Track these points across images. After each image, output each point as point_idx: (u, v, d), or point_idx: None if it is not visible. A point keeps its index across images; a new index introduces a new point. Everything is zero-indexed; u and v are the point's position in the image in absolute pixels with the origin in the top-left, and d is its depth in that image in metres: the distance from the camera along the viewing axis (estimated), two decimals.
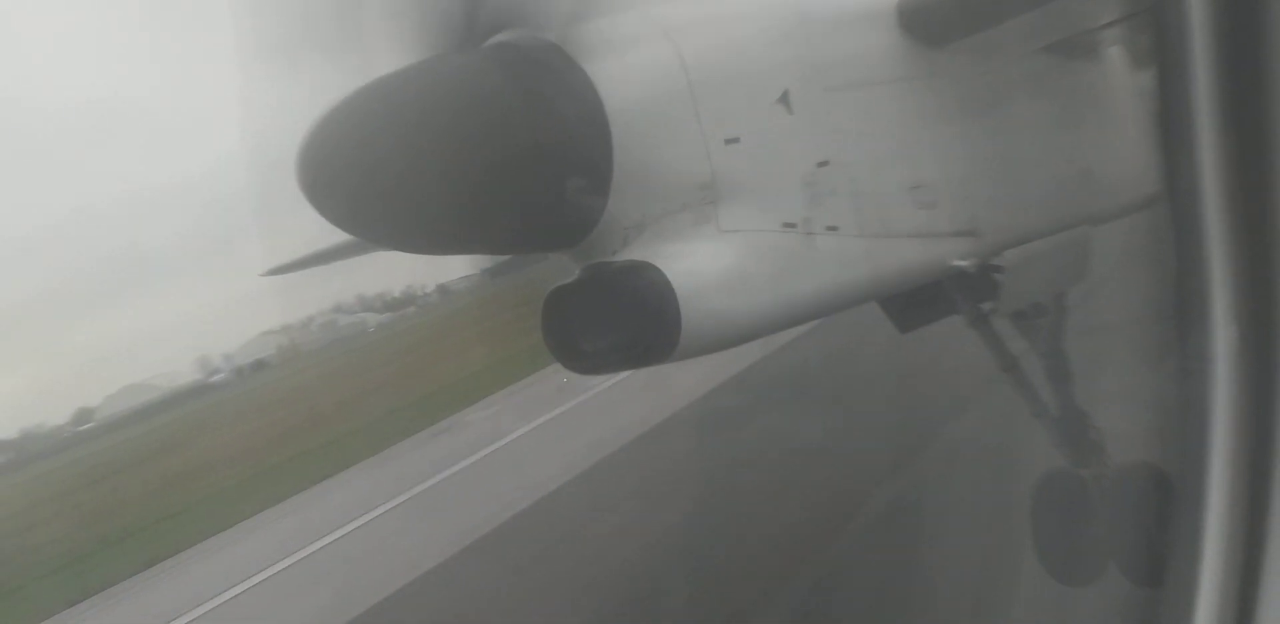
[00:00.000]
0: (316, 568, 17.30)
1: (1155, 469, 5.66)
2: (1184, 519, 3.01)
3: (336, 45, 5.13)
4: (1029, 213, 6.10)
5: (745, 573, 10.80)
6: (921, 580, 8.15)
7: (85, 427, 76.96)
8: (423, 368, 41.89)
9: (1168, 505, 3.59)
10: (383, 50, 5.00)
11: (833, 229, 5.23)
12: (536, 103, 4.81)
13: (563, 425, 21.52)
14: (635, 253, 4.97)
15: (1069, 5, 5.83)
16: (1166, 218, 3.03)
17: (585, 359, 5.25)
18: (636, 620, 10.77)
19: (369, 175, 4.65)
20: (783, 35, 5.28)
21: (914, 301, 6.61)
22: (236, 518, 24.62)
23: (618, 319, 5.02)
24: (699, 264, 4.93)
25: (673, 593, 10.88)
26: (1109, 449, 7.01)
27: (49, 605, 21.69)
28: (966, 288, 6.37)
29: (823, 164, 5.24)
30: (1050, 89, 6.51)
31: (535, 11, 5.04)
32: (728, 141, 5.04)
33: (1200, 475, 2.93)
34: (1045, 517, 7.35)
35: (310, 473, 26.97)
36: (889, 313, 7.23)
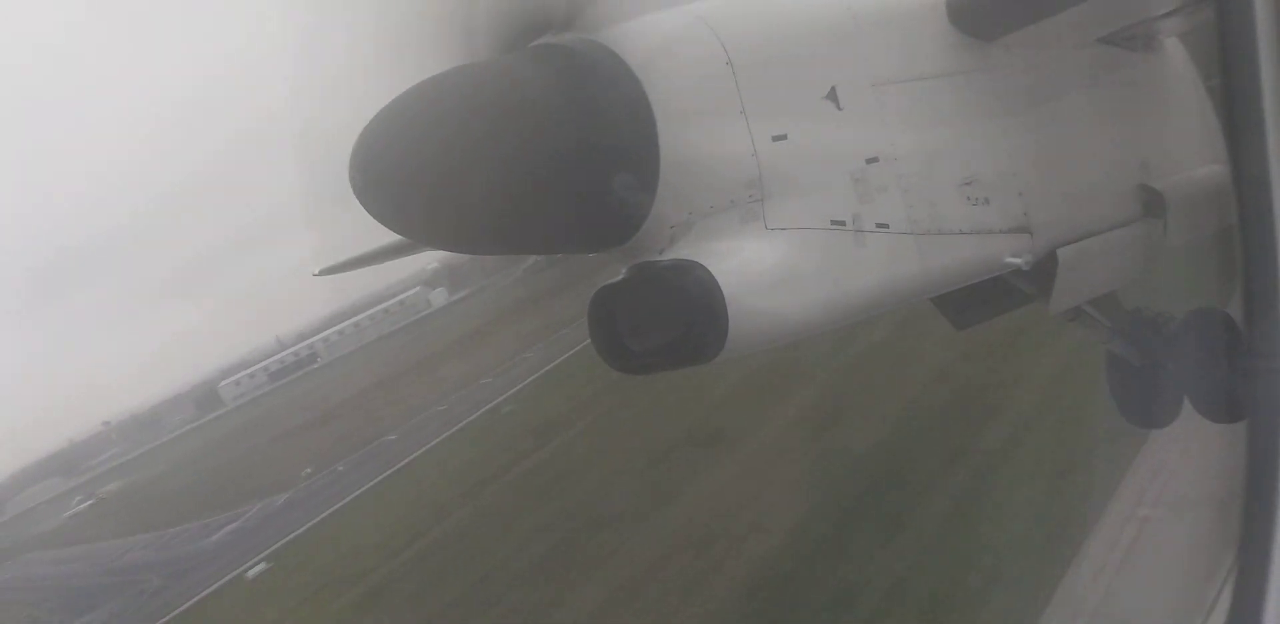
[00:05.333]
0: None
1: (1222, 313, 5.79)
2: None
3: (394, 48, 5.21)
4: (1084, 208, 5.97)
5: None
6: None
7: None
8: None
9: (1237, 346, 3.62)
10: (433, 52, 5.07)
11: (883, 226, 5.18)
12: (582, 103, 4.83)
13: None
14: (682, 251, 4.97)
15: None
16: (1233, 208, 2.97)
17: (631, 358, 5.24)
18: None
19: (419, 177, 4.69)
20: (830, 31, 5.23)
21: (970, 297, 6.46)
22: None
23: (664, 318, 5.01)
24: (746, 262, 4.91)
25: None
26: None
27: None
28: (1025, 284, 6.25)
29: (872, 160, 5.20)
30: (1105, 82, 6.34)
31: (581, 12, 5.05)
32: (775, 138, 5.01)
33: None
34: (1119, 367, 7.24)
35: None
36: (943, 310, 7.09)
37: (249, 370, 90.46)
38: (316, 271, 12.39)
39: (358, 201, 4.84)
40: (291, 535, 38.99)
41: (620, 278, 5.17)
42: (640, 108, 4.85)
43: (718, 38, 4.98)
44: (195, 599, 35.63)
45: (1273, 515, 3.06)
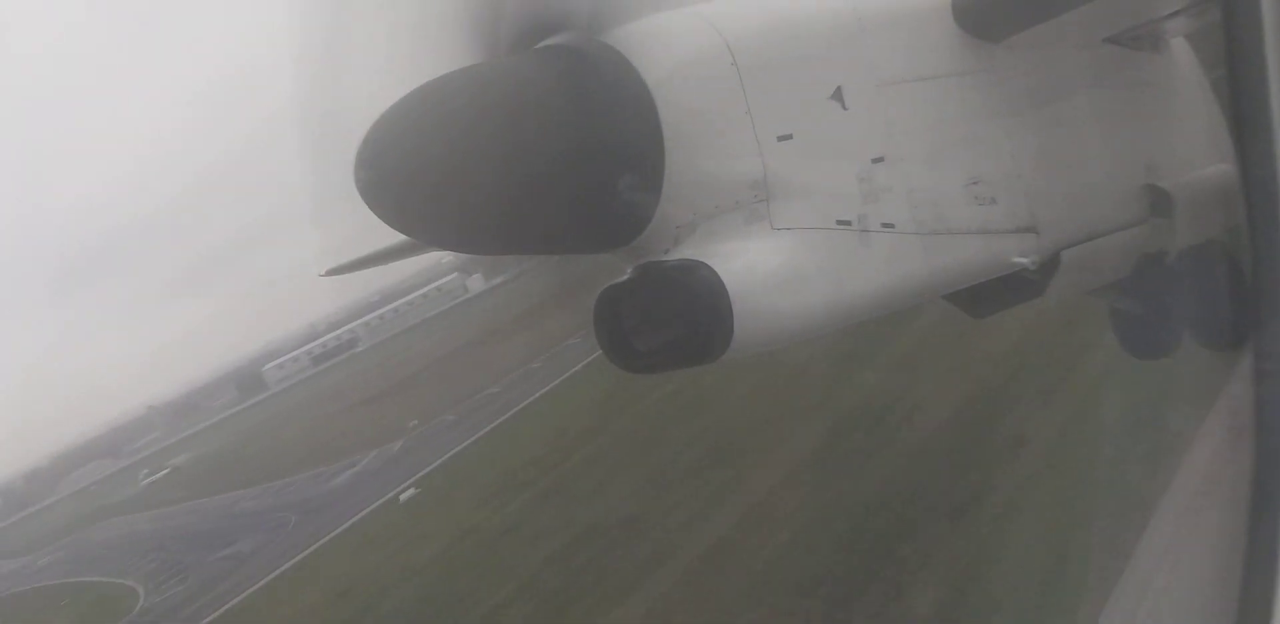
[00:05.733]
0: None
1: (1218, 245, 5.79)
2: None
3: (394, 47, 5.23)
4: (1091, 208, 5.95)
5: None
6: None
7: None
8: None
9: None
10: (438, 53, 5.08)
11: (888, 226, 5.17)
12: (587, 103, 4.85)
13: None
14: (687, 251, 4.97)
15: None
16: (1240, 208, 2.97)
17: (638, 358, 5.25)
18: None
19: (424, 177, 4.72)
20: (836, 31, 5.23)
21: (983, 287, 6.45)
22: None
23: (670, 318, 5.04)
24: (751, 262, 4.91)
25: None
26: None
27: None
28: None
29: (878, 160, 5.19)
30: (1112, 82, 6.32)
31: (586, 13, 5.08)
32: (780, 139, 5.01)
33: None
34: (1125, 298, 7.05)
35: None
36: (957, 302, 6.93)
37: (292, 354, 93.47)
38: (323, 272, 12.44)
39: (363, 201, 4.87)
40: (431, 466, 39.73)
41: (626, 278, 5.17)
42: (645, 108, 4.86)
43: (723, 38, 4.98)
44: (349, 522, 36.65)
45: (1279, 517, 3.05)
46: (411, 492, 37.90)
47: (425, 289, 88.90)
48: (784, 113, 5.03)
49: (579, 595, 20.27)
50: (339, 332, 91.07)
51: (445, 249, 5.74)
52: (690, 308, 4.90)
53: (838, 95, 5.12)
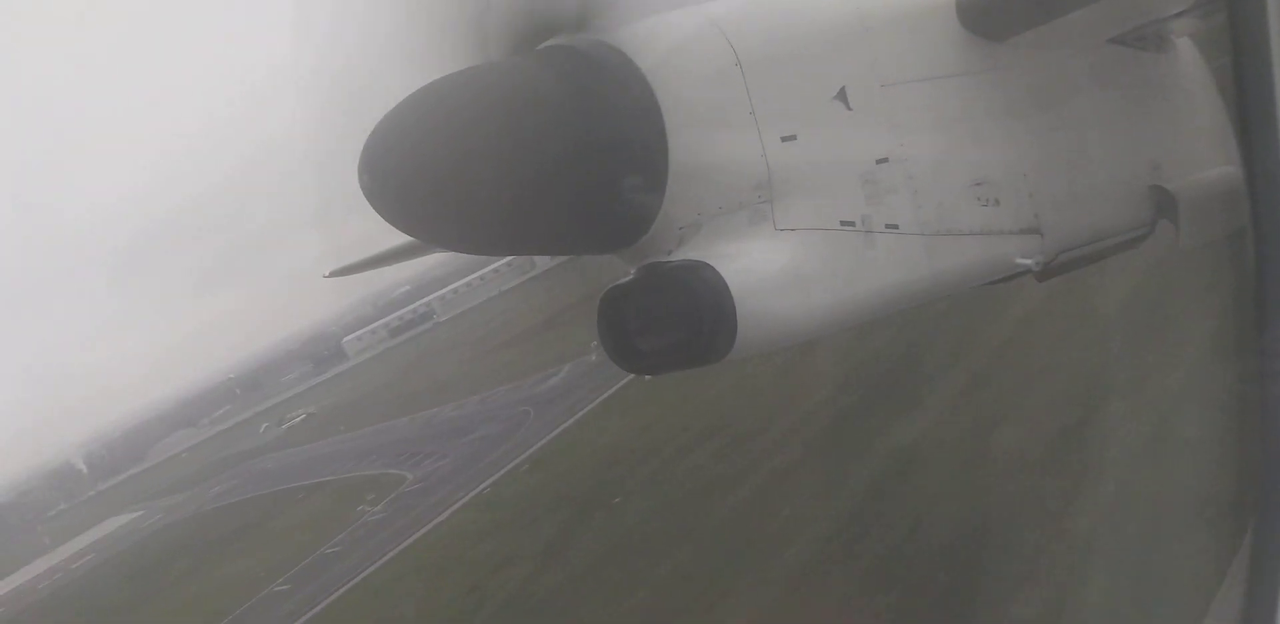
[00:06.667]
0: None
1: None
2: None
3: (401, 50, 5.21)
4: (1096, 209, 5.92)
5: None
6: None
7: None
8: None
9: None
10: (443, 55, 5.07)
11: (892, 227, 5.16)
12: (590, 104, 4.84)
13: None
14: (690, 252, 4.97)
15: None
16: (1246, 209, 2.94)
17: (641, 358, 5.27)
18: None
19: (428, 177, 4.71)
20: (840, 31, 5.22)
21: None
22: None
23: (673, 318, 5.02)
24: (755, 263, 4.91)
25: None
26: None
27: None
28: None
29: (882, 161, 5.18)
30: (1117, 83, 6.29)
31: (591, 13, 5.06)
32: (784, 139, 5.01)
33: None
34: None
35: None
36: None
37: (370, 327, 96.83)
38: (327, 273, 12.46)
39: (367, 202, 4.86)
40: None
41: (629, 278, 5.18)
42: (649, 109, 4.86)
43: (727, 39, 4.98)
44: (600, 398, 33.94)
45: None
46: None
47: (497, 264, 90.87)
48: (788, 113, 5.03)
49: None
50: (415, 305, 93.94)
51: (449, 250, 5.73)
52: (694, 309, 4.89)
53: (842, 95, 5.11)
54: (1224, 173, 5.98)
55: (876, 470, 16.15)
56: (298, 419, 73.14)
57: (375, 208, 4.86)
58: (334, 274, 12.58)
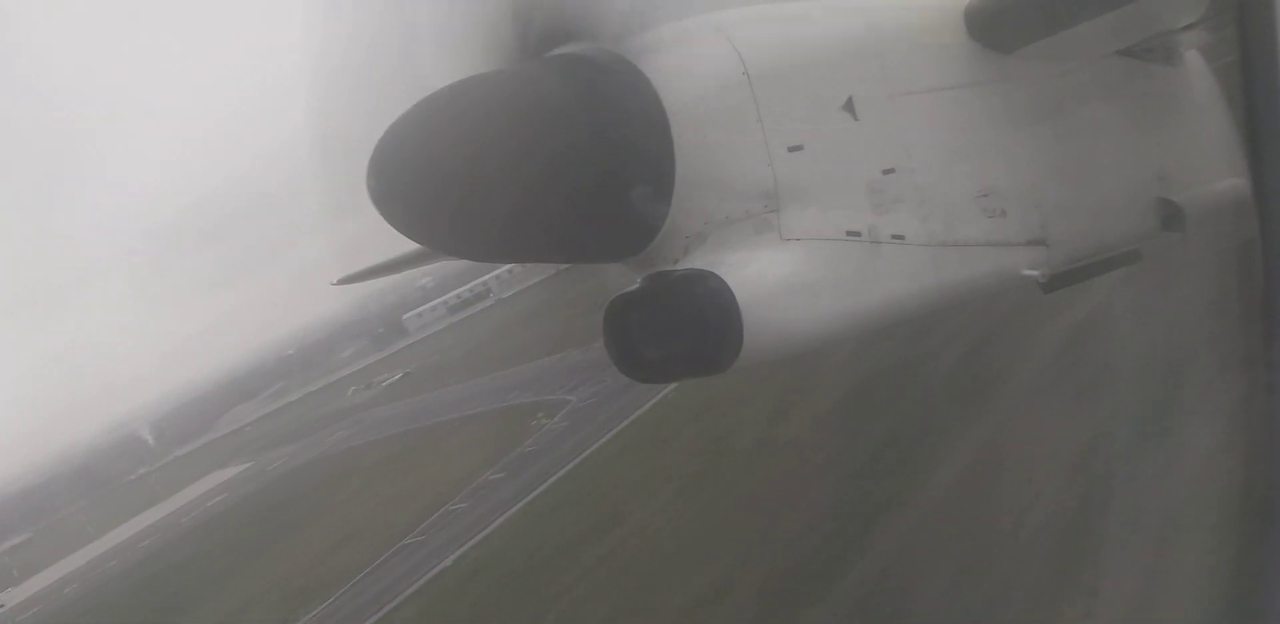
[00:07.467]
0: None
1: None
2: None
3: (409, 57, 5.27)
4: (1102, 221, 5.87)
5: None
6: None
7: None
8: None
9: None
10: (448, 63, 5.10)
11: (898, 238, 5.15)
12: (597, 113, 4.84)
13: None
14: (697, 261, 4.98)
15: (1144, 8, 5.50)
16: (1253, 220, 2.92)
17: (647, 367, 5.28)
18: None
19: (435, 184, 4.73)
20: (847, 42, 5.21)
21: None
22: None
23: (679, 328, 5.03)
24: (761, 273, 4.91)
25: None
26: None
27: None
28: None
29: (888, 171, 5.17)
30: (1125, 94, 6.24)
31: (599, 22, 5.05)
32: (791, 149, 5.00)
33: None
34: None
35: None
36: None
37: (430, 304, 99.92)
38: (334, 281, 12.52)
39: (375, 209, 4.89)
40: None
41: (636, 287, 5.19)
42: (656, 118, 4.86)
43: (735, 49, 4.97)
44: None
45: None
46: None
47: None
48: (795, 123, 5.02)
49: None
50: (472, 284, 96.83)
51: (456, 256, 5.80)
52: (699, 317, 4.90)
53: (849, 106, 5.10)
54: (1231, 185, 5.82)
55: None
56: (395, 377, 73.57)
57: (382, 214, 4.87)
58: (341, 282, 12.57)
